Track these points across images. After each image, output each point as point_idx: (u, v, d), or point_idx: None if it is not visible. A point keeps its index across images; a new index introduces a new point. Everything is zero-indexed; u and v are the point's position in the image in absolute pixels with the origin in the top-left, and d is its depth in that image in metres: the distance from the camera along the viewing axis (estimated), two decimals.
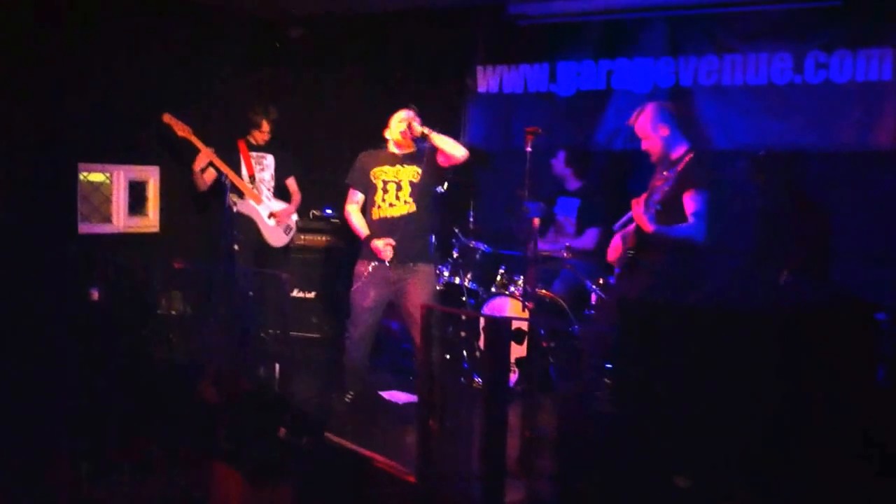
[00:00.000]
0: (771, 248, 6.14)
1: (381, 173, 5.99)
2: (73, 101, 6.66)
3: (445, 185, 6.38)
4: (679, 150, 5.16)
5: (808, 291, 5.74)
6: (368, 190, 6.03)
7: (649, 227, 4.92)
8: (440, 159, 5.90)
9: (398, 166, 5.98)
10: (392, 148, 6.03)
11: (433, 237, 6.17)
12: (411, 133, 5.86)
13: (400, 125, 5.91)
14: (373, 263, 5.94)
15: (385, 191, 5.96)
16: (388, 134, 6.01)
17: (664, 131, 5.20)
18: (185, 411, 5.50)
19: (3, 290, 6.12)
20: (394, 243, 5.85)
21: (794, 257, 5.88)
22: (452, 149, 5.81)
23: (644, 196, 5.02)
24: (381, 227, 5.93)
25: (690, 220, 4.96)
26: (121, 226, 7.50)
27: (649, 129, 5.23)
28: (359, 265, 6.04)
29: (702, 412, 3.76)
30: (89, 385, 5.40)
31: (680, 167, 4.94)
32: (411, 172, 5.94)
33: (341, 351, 6.21)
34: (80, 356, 5.72)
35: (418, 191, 5.93)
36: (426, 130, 5.81)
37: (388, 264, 5.88)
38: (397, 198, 5.94)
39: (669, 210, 4.94)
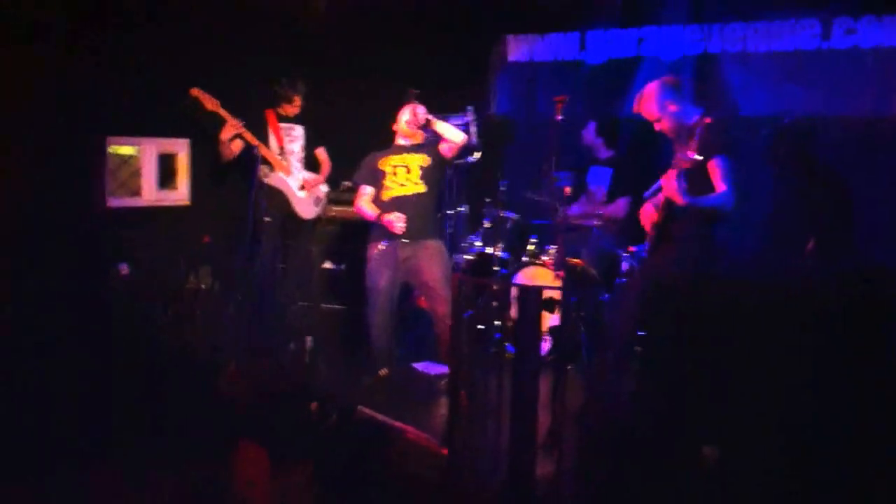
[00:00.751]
0: (796, 218, 6.08)
1: (390, 161, 6.20)
2: (100, 75, 6.65)
3: (477, 154, 6.41)
4: (693, 119, 5.01)
5: (833, 263, 5.67)
6: (377, 178, 6.20)
7: (682, 201, 4.85)
8: (443, 148, 6.09)
9: (405, 154, 6.18)
10: (399, 140, 6.27)
11: (465, 210, 6.18)
12: (415, 121, 6.09)
13: (404, 114, 6.18)
14: (382, 243, 6.05)
15: (395, 174, 6.14)
16: (395, 127, 6.27)
17: (673, 107, 5.07)
18: (211, 388, 5.52)
19: (33, 266, 6.15)
20: (405, 217, 5.92)
21: (818, 228, 5.80)
22: (452, 135, 6.04)
23: (673, 170, 4.95)
24: (391, 206, 6.06)
25: (719, 187, 4.89)
26: (150, 199, 7.50)
27: (657, 111, 5.12)
28: (369, 248, 6.16)
29: (727, 385, 3.73)
30: (116, 362, 5.42)
31: (698, 135, 4.77)
32: (420, 159, 6.14)
33: (367, 331, 6.21)
34: (108, 332, 5.74)
35: (428, 174, 6.11)
36: (429, 117, 6.05)
37: (397, 242, 5.95)
38: (407, 179, 6.10)
39: (696, 180, 4.87)
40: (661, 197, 5.22)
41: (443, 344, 6.01)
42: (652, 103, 5.11)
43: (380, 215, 6.01)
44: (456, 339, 4.73)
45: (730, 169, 4.90)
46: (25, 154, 6.25)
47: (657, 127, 5.18)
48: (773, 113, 6.68)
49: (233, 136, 6.55)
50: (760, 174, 6.12)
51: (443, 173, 6.33)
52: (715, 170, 4.90)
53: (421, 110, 6.06)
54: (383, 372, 6.13)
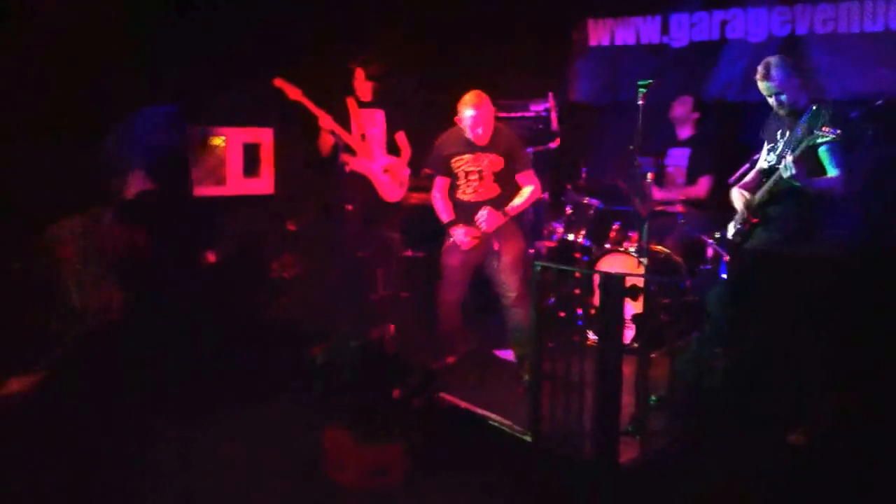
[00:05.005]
0: (888, 199, 5.99)
1: (461, 162, 5.93)
2: (187, 65, 6.74)
3: (557, 140, 6.32)
4: (803, 101, 5.10)
5: None
6: (450, 175, 6.00)
7: (800, 182, 4.87)
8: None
9: (479, 153, 5.89)
10: (468, 133, 5.89)
11: (547, 197, 6.11)
12: (475, 234, 5.86)
13: (466, 114, 5.80)
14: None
15: (468, 180, 5.94)
16: (460, 123, 5.89)
17: (796, 81, 5.12)
18: (297, 372, 5.60)
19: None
20: (475, 233, 5.82)
21: None
22: (527, 204, 5.93)
23: (788, 152, 4.94)
24: (465, 210, 5.92)
25: (834, 171, 4.92)
26: (235, 188, 7.59)
27: (782, 82, 5.11)
28: (446, 240, 6.04)
29: (817, 363, 3.67)
30: (206, 346, 5.52)
31: (807, 118, 4.93)
32: (492, 163, 5.88)
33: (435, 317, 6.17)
34: (196, 319, 5.83)
35: (502, 176, 5.90)
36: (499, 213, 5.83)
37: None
38: (480, 185, 5.91)
39: (805, 161, 4.89)
40: (753, 179, 5.27)
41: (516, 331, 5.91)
42: (780, 71, 5.10)
43: (451, 222, 5.93)
44: (539, 326, 4.72)
45: (841, 153, 4.93)
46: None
47: (775, 100, 5.16)
48: (862, 95, 6.52)
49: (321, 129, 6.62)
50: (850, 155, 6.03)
51: (517, 169, 6.00)
52: (827, 155, 4.94)
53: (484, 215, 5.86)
54: (450, 360, 6.09)
